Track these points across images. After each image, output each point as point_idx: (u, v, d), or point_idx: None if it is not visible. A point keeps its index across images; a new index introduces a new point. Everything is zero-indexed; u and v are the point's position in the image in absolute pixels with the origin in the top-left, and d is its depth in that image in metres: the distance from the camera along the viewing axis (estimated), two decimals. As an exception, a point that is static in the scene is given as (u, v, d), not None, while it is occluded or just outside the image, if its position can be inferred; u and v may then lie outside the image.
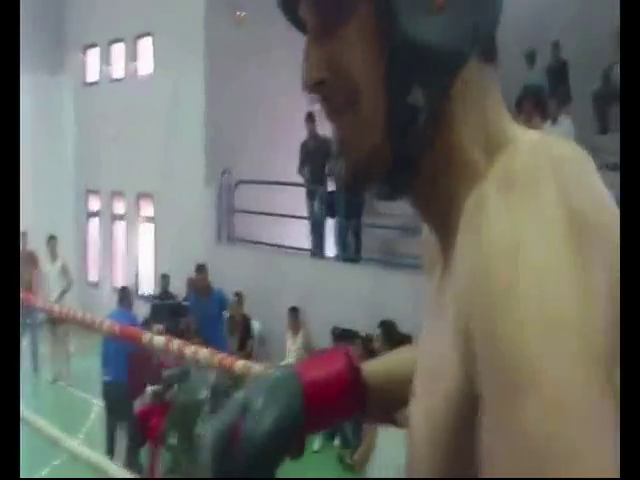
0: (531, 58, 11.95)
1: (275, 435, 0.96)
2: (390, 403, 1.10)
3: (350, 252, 10.74)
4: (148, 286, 14.10)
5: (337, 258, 10.90)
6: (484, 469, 0.62)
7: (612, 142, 8.81)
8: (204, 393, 8.13)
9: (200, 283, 10.42)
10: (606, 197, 0.71)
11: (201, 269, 10.42)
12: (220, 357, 2.76)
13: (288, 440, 0.98)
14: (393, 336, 6.84)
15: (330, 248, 11.26)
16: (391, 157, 0.82)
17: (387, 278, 9.36)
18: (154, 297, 12.55)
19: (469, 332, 0.66)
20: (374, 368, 1.11)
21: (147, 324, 10.93)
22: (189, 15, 13.45)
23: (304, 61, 0.86)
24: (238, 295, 10.84)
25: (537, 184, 0.68)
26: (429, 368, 0.81)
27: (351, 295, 9.60)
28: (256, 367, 2.43)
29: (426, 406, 0.79)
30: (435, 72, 0.81)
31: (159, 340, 2.81)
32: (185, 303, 11.38)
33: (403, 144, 0.82)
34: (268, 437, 0.95)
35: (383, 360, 1.18)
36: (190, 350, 2.72)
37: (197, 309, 10.37)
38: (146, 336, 2.91)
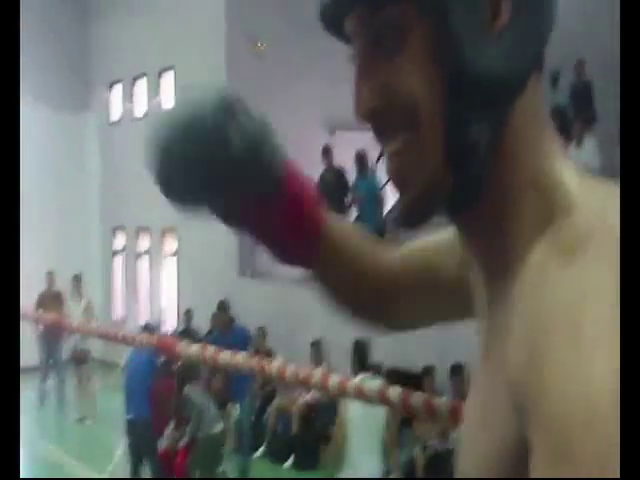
0: (555, 79, 11.79)
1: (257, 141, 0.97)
2: (338, 265, 1.09)
3: None
4: (172, 322, 14.10)
5: None
6: None
7: None
8: (220, 426, 8.12)
9: (222, 319, 10.37)
10: None
11: (223, 307, 10.37)
12: (255, 360, 2.71)
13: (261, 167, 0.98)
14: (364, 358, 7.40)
15: None
16: (449, 190, 0.79)
17: None
18: (178, 334, 12.52)
19: (522, 397, 0.65)
20: (337, 225, 1.10)
21: (167, 363, 10.94)
22: (211, 48, 13.56)
23: (356, 87, 0.81)
24: (261, 330, 10.80)
25: (596, 258, 0.66)
26: (482, 413, 0.78)
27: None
28: (291, 368, 2.38)
29: (480, 450, 0.76)
30: (498, 100, 0.76)
31: (194, 348, 2.78)
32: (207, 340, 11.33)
33: (462, 177, 0.78)
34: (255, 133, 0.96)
35: (346, 226, 1.16)
36: (225, 357, 2.69)
37: (220, 346, 10.25)
38: (180, 345, 2.88)
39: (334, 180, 11.28)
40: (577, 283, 0.64)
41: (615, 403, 0.58)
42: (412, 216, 0.82)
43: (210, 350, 2.73)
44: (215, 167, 0.95)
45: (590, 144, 9.46)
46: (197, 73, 13.76)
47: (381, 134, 0.82)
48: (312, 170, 11.66)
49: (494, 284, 0.80)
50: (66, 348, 12.11)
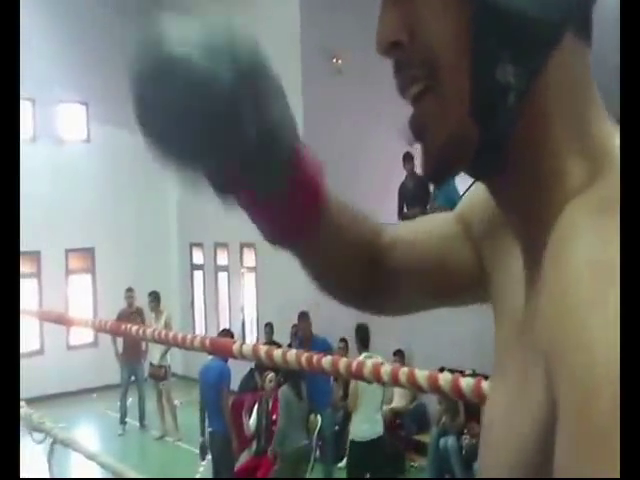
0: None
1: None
2: (337, 240, 1.05)
3: None
4: (252, 336, 14.06)
5: None
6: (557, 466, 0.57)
7: None
8: (304, 440, 7.96)
9: (303, 332, 10.35)
10: None
11: (304, 317, 10.37)
12: (317, 357, 2.60)
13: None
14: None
15: None
16: (477, 139, 0.72)
17: (491, 314, 9.08)
18: (259, 348, 12.48)
19: (550, 355, 0.61)
20: (337, 200, 1.04)
21: (252, 374, 10.88)
22: (286, 65, 13.52)
23: (379, 20, 0.76)
24: (343, 341, 10.66)
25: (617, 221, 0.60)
26: (513, 385, 0.73)
27: (456, 334, 9.35)
28: (370, 362, 2.29)
29: (510, 426, 0.72)
30: (528, 45, 0.70)
31: (247, 348, 2.77)
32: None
33: (491, 125, 0.72)
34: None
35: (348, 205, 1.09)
36: (278, 353, 2.66)
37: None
38: (235, 345, 2.88)
39: (415, 187, 11.21)
40: (608, 243, 0.59)
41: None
42: (436, 170, 0.77)
43: (263, 349, 2.68)
44: (217, 131, 0.84)
45: None
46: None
47: (402, 75, 0.76)
48: (394, 185, 11.58)
49: (530, 256, 0.75)
50: (147, 365, 12.13)
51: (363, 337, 8.92)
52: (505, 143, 0.73)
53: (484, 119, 0.72)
